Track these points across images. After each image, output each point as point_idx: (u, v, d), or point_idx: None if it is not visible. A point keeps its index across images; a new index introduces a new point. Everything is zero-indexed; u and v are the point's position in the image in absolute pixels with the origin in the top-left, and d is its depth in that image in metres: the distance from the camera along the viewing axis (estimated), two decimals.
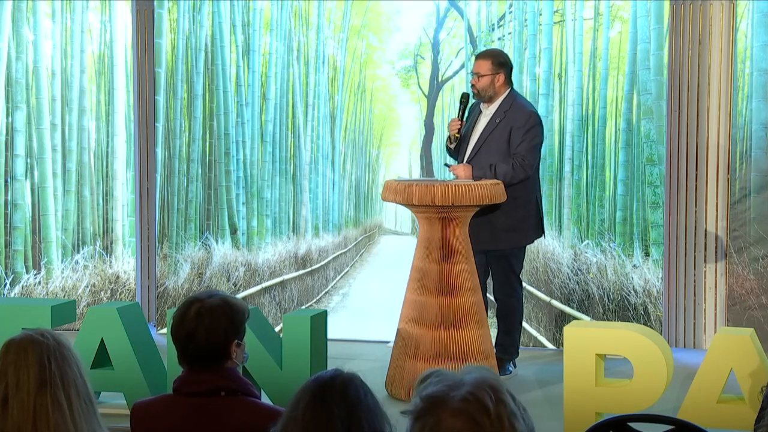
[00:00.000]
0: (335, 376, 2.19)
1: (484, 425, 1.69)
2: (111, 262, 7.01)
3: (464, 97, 5.52)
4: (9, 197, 6.93)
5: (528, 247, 5.67)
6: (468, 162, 5.41)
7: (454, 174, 5.27)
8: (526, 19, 6.54)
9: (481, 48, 6.51)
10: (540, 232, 5.56)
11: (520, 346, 5.66)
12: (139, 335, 4.78)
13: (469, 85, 5.58)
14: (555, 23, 6.51)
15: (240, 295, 6.70)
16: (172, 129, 6.91)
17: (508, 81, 5.48)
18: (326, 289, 6.99)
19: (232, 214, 6.93)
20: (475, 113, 5.55)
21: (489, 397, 1.71)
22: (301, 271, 6.96)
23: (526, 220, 5.42)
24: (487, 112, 5.48)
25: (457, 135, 5.47)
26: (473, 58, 5.77)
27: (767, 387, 2.21)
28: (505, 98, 5.44)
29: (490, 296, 5.68)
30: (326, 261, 6.99)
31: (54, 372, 2.40)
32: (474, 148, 5.45)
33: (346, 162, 7.02)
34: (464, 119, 5.50)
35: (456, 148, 5.54)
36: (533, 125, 5.37)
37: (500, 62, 5.45)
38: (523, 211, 5.38)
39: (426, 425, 1.71)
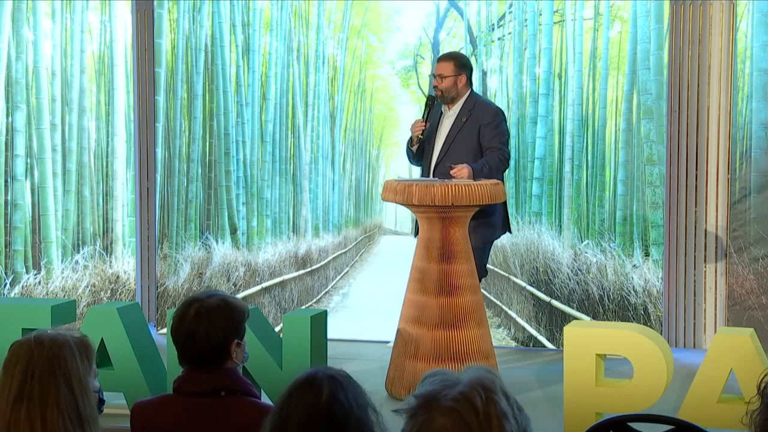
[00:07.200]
0: (322, 400, 2.12)
1: (472, 424, 1.70)
2: (111, 262, 7.01)
3: (430, 99, 5.57)
4: (9, 197, 6.93)
5: (528, 247, 5.69)
6: (437, 162, 5.47)
7: (455, 175, 5.28)
8: (526, 19, 6.54)
9: (481, 48, 6.53)
10: (506, 228, 5.59)
11: (520, 347, 5.66)
12: (139, 335, 4.78)
13: (432, 87, 5.61)
14: (555, 23, 6.51)
15: (240, 295, 6.70)
16: (172, 129, 6.91)
17: (470, 82, 5.55)
18: (326, 289, 6.99)
19: (232, 214, 6.93)
20: (437, 116, 5.59)
21: (479, 396, 1.73)
22: (301, 271, 6.96)
23: (495, 216, 5.46)
24: (450, 113, 5.53)
25: (420, 136, 5.51)
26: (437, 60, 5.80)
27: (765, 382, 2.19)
28: (467, 98, 5.51)
29: None
30: (326, 261, 6.99)
31: (34, 387, 2.33)
32: (442, 148, 5.50)
33: (346, 162, 7.02)
34: (428, 121, 5.53)
35: (418, 149, 5.57)
36: (501, 120, 5.47)
37: (462, 64, 5.53)
38: (492, 207, 5.41)
39: (417, 423, 1.74)
